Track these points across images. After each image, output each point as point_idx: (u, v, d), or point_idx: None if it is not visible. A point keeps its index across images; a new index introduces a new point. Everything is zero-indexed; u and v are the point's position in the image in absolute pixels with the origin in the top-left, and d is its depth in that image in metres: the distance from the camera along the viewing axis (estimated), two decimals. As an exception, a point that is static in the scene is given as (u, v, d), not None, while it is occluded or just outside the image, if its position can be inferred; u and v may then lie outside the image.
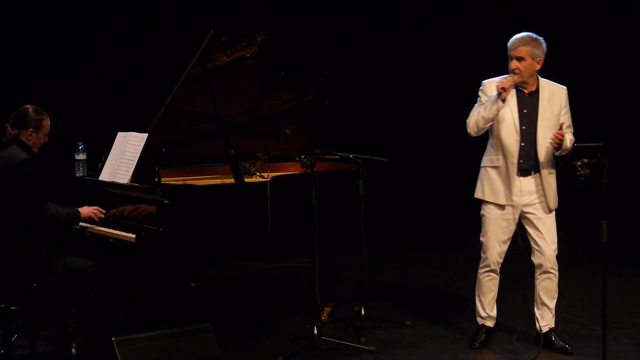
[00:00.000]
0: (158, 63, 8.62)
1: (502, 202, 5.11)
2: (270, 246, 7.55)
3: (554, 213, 5.16)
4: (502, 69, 5.20)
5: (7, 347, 4.75)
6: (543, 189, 5.10)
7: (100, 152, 5.47)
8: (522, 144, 5.05)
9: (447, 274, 7.37)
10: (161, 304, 5.39)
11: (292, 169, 6.00)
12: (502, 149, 5.07)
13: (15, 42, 8.59)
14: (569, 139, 5.05)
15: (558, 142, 4.95)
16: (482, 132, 5.07)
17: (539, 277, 5.18)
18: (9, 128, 4.86)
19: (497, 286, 5.26)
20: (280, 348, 5.24)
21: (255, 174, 5.41)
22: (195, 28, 5.77)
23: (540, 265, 5.16)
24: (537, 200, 5.10)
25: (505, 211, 5.12)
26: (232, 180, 5.19)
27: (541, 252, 5.13)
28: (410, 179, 9.83)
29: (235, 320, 6.03)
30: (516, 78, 4.99)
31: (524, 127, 5.04)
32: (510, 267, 5.27)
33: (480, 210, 5.23)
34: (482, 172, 5.22)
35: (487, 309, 5.26)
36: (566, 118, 5.13)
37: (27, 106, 4.91)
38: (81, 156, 5.53)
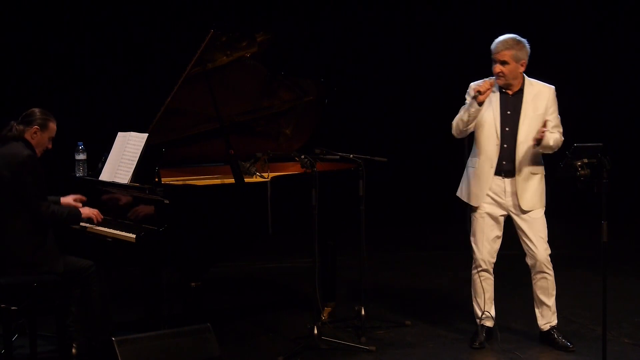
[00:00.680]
0: (158, 63, 8.62)
1: (474, 203, 5.18)
2: (270, 246, 7.52)
3: (543, 213, 5.15)
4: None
5: (8, 347, 4.75)
6: (525, 190, 5.10)
7: (100, 152, 5.47)
8: (505, 146, 5.08)
9: (447, 274, 7.36)
10: (161, 304, 5.39)
11: (292, 169, 6.00)
12: (482, 152, 5.13)
13: (15, 42, 8.59)
14: (552, 137, 5.02)
15: (537, 139, 4.96)
16: (465, 134, 5.15)
17: (534, 277, 5.21)
18: (15, 125, 4.87)
19: (492, 286, 5.26)
20: (280, 348, 5.24)
21: (255, 174, 5.41)
22: (195, 28, 5.76)
23: (534, 266, 5.18)
24: (521, 202, 5.10)
25: (490, 213, 5.15)
26: (232, 180, 5.19)
27: (533, 253, 5.15)
28: (410, 179, 9.83)
29: (235, 320, 6.02)
30: (495, 81, 5.02)
31: (507, 129, 5.07)
32: (509, 267, 5.27)
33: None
34: (464, 172, 5.30)
35: (484, 308, 5.24)
36: (553, 117, 5.10)
37: (35, 108, 4.95)
38: (81, 156, 5.53)
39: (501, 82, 5.04)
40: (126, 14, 8.84)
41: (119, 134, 5.39)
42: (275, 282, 7.35)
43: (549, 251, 5.16)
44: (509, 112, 5.06)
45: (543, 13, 9.63)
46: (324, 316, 5.75)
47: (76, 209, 4.96)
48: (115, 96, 8.73)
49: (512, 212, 5.15)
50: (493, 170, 5.11)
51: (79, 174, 5.52)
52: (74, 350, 4.93)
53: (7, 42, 8.53)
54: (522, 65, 5.05)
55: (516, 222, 5.17)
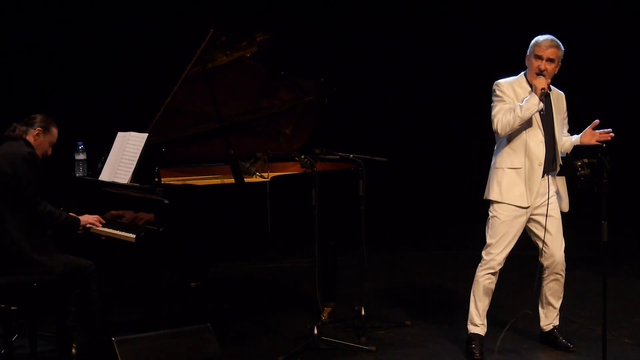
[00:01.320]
0: (158, 63, 8.62)
1: (524, 204, 5.00)
2: (270, 246, 7.55)
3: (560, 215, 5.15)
4: (503, 69, 5.20)
5: (8, 347, 4.75)
6: (559, 191, 5.09)
7: (100, 152, 5.47)
8: (546, 146, 5.01)
9: (447, 274, 7.36)
10: (161, 304, 5.39)
11: (292, 169, 6.00)
12: (527, 151, 4.99)
13: (16, 42, 8.59)
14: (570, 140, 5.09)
15: (602, 141, 4.98)
16: (513, 131, 4.98)
17: (546, 278, 5.16)
18: (18, 125, 4.92)
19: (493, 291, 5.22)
20: (280, 348, 5.24)
21: (255, 174, 5.40)
22: (195, 28, 5.76)
23: (550, 267, 5.13)
24: (548, 202, 5.06)
25: (520, 214, 5.04)
26: (232, 180, 5.19)
27: (552, 254, 5.10)
28: (411, 179, 9.83)
29: (235, 320, 6.02)
30: (548, 81, 4.96)
31: (545, 129, 5.02)
32: (510, 267, 5.27)
33: (489, 211, 5.11)
34: (497, 172, 5.08)
35: (481, 315, 5.15)
36: (566, 122, 5.19)
37: (38, 114, 5.00)
38: (81, 156, 5.53)
39: (539, 81, 4.93)
40: (126, 14, 8.84)
41: (119, 134, 5.39)
42: (275, 282, 7.35)
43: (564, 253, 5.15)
44: (543, 113, 4.98)
45: (543, 13, 9.63)
46: (324, 316, 5.75)
47: (76, 218, 4.96)
48: (115, 96, 8.74)
49: (540, 214, 5.04)
50: (542, 168, 4.99)
51: (79, 174, 5.52)
52: (74, 350, 4.93)
53: (8, 42, 8.53)
54: (558, 67, 5.04)
55: (537, 222, 5.08)
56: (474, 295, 5.16)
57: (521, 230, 5.09)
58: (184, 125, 5.62)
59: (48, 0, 8.65)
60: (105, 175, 5.30)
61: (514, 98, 5.00)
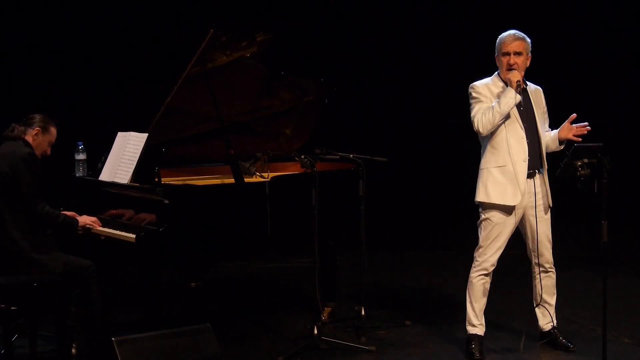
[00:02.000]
0: (158, 63, 8.62)
1: (510, 202, 4.98)
2: (270, 246, 7.55)
3: (549, 211, 5.15)
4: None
5: (8, 347, 4.75)
6: (545, 188, 5.09)
7: (100, 152, 5.47)
8: (528, 142, 5.00)
9: (447, 274, 7.36)
10: (161, 304, 5.39)
11: (292, 169, 6.00)
12: (509, 148, 4.97)
13: (16, 42, 8.59)
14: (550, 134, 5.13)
15: (576, 135, 4.99)
16: (495, 129, 4.98)
17: (538, 275, 5.16)
18: (17, 126, 4.92)
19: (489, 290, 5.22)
20: (280, 348, 5.24)
21: (255, 174, 5.40)
22: (195, 28, 5.76)
23: (540, 265, 5.14)
24: (539, 202, 5.06)
25: (511, 214, 5.02)
26: (232, 180, 5.19)
27: (542, 252, 5.11)
28: (411, 179, 9.83)
29: (235, 320, 6.02)
30: (521, 74, 4.95)
31: (525, 125, 5.01)
32: (509, 267, 5.27)
33: (480, 213, 5.11)
34: (482, 174, 5.08)
35: (479, 316, 5.15)
36: (546, 117, 5.18)
37: (37, 114, 5.00)
38: (81, 156, 5.53)
39: (513, 74, 4.93)
40: (126, 14, 8.84)
41: (119, 134, 5.39)
42: (275, 282, 7.35)
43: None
44: (522, 108, 4.99)
45: (543, 13, 9.64)
46: (324, 316, 5.75)
47: (74, 219, 4.97)
48: (115, 96, 8.74)
49: (529, 214, 5.04)
50: (526, 164, 4.96)
51: (79, 174, 5.53)
52: (74, 350, 4.93)
53: (7, 42, 8.53)
54: (528, 59, 5.04)
55: (528, 221, 5.08)
56: (469, 297, 5.15)
57: (513, 230, 5.08)
58: (184, 125, 5.62)
59: (48, 0, 8.65)
60: (105, 175, 5.30)
61: (490, 97, 5.00)
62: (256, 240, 5.42)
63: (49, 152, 5.02)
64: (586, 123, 5.07)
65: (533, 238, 5.09)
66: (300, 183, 5.33)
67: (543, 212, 5.09)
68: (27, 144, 4.87)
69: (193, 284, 4.89)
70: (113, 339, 4.22)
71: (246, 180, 5.22)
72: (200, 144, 5.71)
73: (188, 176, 5.75)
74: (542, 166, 5.06)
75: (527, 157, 4.97)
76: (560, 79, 9.17)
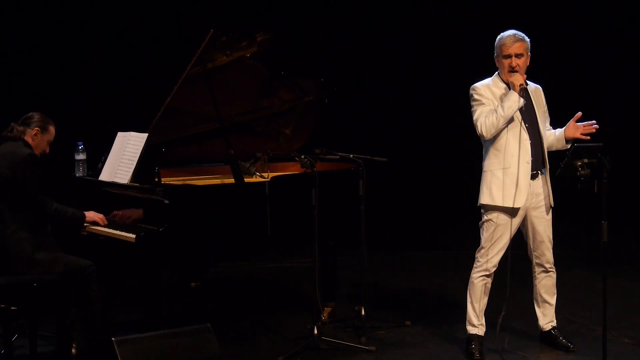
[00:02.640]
0: (158, 63, 8.62)
1: (515, 204, 4.94)
2: (270, 246, 7.55)
3: (551, 212, 5.15)
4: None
5: (7, 347, 4.75)
6: (547, 188, 5.08)
7: (100, 152, 5.47)
8: (530, 142, 4.98)
9: (447, 274, 7.36)
10: (161, 304, 5.39)
11: (292, 169, 6.00)
12: (513, 150, 4.95)
13: (16, 42, 8.59)
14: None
15: (583, 134, 5.01)
16: (499, 132, 4.96)
17: (538, 275, 5.16)
18: (16, 125, 4.91)
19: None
20: (280, 348, 5.24)
21: (255, 174, 5.41)
22: (195, 28, 5.76)
23: (541, 265, 5.14)
24: (542, 202, 5.06)
25: (515, 216, 5.00)
26: (232, 180, 5.19)
27: (543, 252, 5.11)
28: (410, 179, 9.83)
29: (235, 320, 6.02)
30: (524, 76, 4.95)
31: (527, 125, 4.99)
32: (510, 267, 5.26)
33: (482, 216, 5.09)
34: (486, 176, 5.05)
35: (479, 316, 5.14)
36: (547, 115, 5.17)
37: (35, 112, 5.00)
38: (81, 156, 5.53)
39: (516, 77, 4.91)
40: (126, 14, 8.84)
41: (119, 134, 5.39)
42: (275, 282, 7.35)
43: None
44: (523, 109, 4.96)
45: (543, 13, 9.64)
46: (324, 316, 5.75)
47: (81, 212, 4.97)
48: (115, 96, 8.74)
49: (531, 213, 5.02)
50: (530, 166, 4.94)
51: (79, 174, 5.53)
52: (74, 350, 4.93)
53: (7, 42, 8.53)
54: (528, 58, 5.03)
55: (530, 221, 5.06)
56: (470, 297, 5.15)
57: (515, 231, 5.07)
58: (184, 125, 5.62)
59: (48, 0, 8.65)
60: (105, 175, 5.30)
61: (492, 99, 4.98)
62: (256, 240, 5.42)
63: (47, 150, 5.02)
64: (594, 121, 5.07)
65: (534, 238, 5.09)
66: (300, 183, 5.33)
67: (545, 213, 5.09)
68: (26, 144, 4.86)
69: (193, 284, 4.89)
70: (113, 339, 4.22)
71: (246, 180, 5.22)
72: (200, 144, 5.71)
73: (188, 176, 5.75)
74: (544, 167, 5.06)
75: (530, 159, 4.96)
76: (561, 79, 9.17)
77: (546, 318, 5.24)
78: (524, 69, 4.99)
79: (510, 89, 4.95)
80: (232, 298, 6.80)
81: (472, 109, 5.03)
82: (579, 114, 5.09)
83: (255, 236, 5.29)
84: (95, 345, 4.86)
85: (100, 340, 4.83)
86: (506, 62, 4.97)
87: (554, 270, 5.18)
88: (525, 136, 4.97)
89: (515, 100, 4.87)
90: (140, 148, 5.14)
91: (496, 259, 5.07)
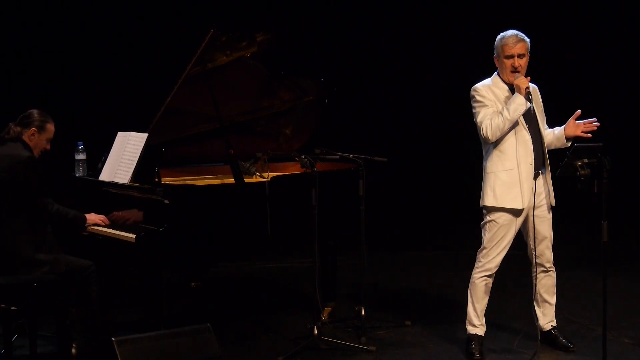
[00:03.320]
0: (158, 63, 8.62)
1: (519, 206, 4.96)
2: (270, 246, 7.54)
3: (551, 211, 5.15)
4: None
5: (7, 347, 4.75)
6: (547, 187, 5.08)
7: (100, 152, 5.47)
8: (532, 143, 4.98)
9: (447, 274, 7.36)
10: (161, 304, 5.38)
11: (292, 169, 6.00)
12: (516, 151, 4.95)
13: (15, 42, 8.59)
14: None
15: (585, 132, 5.02)
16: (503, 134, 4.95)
17: (538, 275, 5.15)
18: (13, 126, 4.88)
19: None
20: (280, 348, 5.24)
21: (255, 174, 5.41)
22: (195, 28, 5.76)
23: (540, 264, 5.13)
24: (544, 202, 5.06)
25: (518, 216, 5.00)
26: (232, 180, 5.19)
27: (542, 252, 5.10)
28: (410, 179, 9.83)
29: (235, 320, 6.02)
30: (528, 78, 4.94)
31: (528, 125, 4.99)
32: (509, 267, 5.27)
33: (484, 217, 5.08)
34: (489, 177, 5.03)
35: (480, 316, 5.14)
36: (544, 114, 5.17)
37: (34, 110, 4.95)
38: (81, 156, 5.53)
39: (522, 80, 4.90)
40: (126, 14, 8.84)
41: (119, 134, 5.39)
42: (275, 282, 7.35)
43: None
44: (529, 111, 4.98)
45: (543, 13, 9.64)
46: (324, 316, 5.75)
47: (82, 214, 4.97)
48: (115, 96, 8.74)
49: (531, 212, 5.01)
50: (532, 167, 4.95)
51: (79, 174, 5.53)
52: (74, 350, 4.93)
53: (7, 42, 8.53)
54: (528, 57, 5.03)
55: (530, 221, 5.05)
56: (471, 297, 5.14)
57: (517, 232, 5.08)
58: (184, 125, 5.62)
59: (48, 0, 8.65)
60: (105, 175, 5.30)
61: (495, 100, 4.98)
62: (256, 240, 5.42)
63: (48, 147, 4.97)
64: (594, 119, 5.07)
65: (535, 237, 5.07)
66: (300, 183, 5.33)
67: (546, 212, 5.09)
68: (25, 145, 4.83)
69: (193, 284, 4.90)
70: (113, 339, 4.22)
71: (246, 180, 5.23)
72: (200, 144, 5.71)
73: (188, 176, 5.75)
74: (544, 166, 5.06)
75: (533, 160, 4.96)
76: (560, 79, 9.17)
77: (546, 318, 5.23)
78: (525, 69, 4.99)
79: (510, 89, 4.95)
80: (232, 298, 6.80)
81: (473, 111, 5.02)
82: (578, 112, 5.10)
83: (255, 236, 5.29)
84: (95, 345, 4.86)
85: (100, 340, 4.83)
86: (508, 62, 4.96)
87: (553, 269, 5.18)
88: (528, 137, 4.97)
89: (521, 103, 4.87)
90: (140, 148, 5.14)
91: (498, 260, 5.07)
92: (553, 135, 5.14)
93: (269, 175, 5.37)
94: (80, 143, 5.54)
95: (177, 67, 5.29)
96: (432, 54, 9.90)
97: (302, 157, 5.28)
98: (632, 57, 9.92)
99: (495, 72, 5.07)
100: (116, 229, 4.97)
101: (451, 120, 9.70)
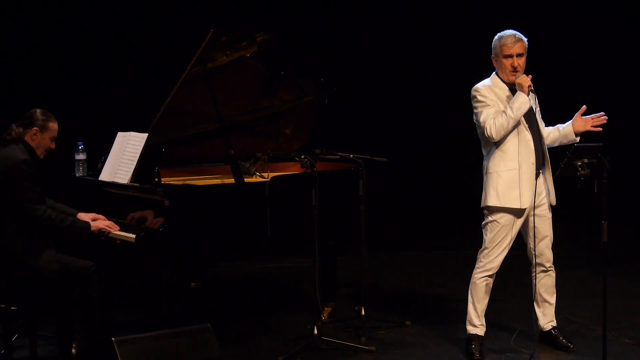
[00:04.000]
0: (158, 63, 8.62)
1: (522, 205, 4.95)
2: (270, 246, 7.55)
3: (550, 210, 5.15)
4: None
5: (7, 347, 4.75)
6: (548, 187, 5.08)
7: (100, 152, 5.47)
8: (533, 141, 4.98)
9: (447, 274, 7.37)
10: (161, 304, 5.39)
11: (292, 169, 6.00)
12: (518, 151, 4.95)
13: (15, 42, 8.59)
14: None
15: (595, 125, 5.05)
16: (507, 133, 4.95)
17: (538, 275, 5.14)
18: (15, 127, 4.84)
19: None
20: (280, 348, 5.24)
21: (255, 174, 5.41)
22: (195, 28, 5.76)
23: (540, 264, 5.13)
24: (544, 201, 5.06)
25: (520, 216, 5.00)
26: (232, 180, 5.19)
27: (542, 251, 5.10)
28: (410, 179, 9.83)
29: (235, 320, 6.03)
30: (529, 76, 4.93)
31: (528, 124, 4.99)
32: (509, 267, 5.27)
33: (486, 217, 5.07)
34: (492, 177, 5.01)
35: (480, 316, 5.14)
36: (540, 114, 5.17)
37: (36, 109, 4.89)
38: (81, 156, 5.53)
39: (524, 79, 4.90)
40: (126, 14, 8.84)
41: (119, 134, 5.39)
42: (275, 282, 7.35)
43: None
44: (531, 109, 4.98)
45: (543, 13, 9.64)
46: (324, 316, 5.75)
47: (85, 222, 4.86)
48: (115, 96, 8.74)
49: (532, 212, 5.00)
50: (534, 166, 4.95)
51: (79, 174, 5.52)
52: (73, 350, 4.92)
53: (7, 42, 8.53)
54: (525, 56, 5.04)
55: (530, 220, 5.04)
56: (472, 297, 5.14)
57: (517, 232, 5.08)
58: (184, 125, 5.62)
59: (48, 0, 8.65)
60: (105, 175, 5.30)
61: (496, 100, 4.98)
62: (256, 240, 5.42)
63: (53, 146, 4.88)
64: (602, 113, 5.07)
65: (535, 237, 5.06)
66: (300, 183, 5.33)
67: (546, 211, 5.09)
68: (26, 146, 4.80)
69: (193, 284, 4.89)
70: (113, 339, 4.22)
71: (246, 180, 5.23)
72: (200, 144, 5.71)
73: (188, 176, 5.75)
74: (544, 166, 5.06)
75: (534, 159, 4.97)
76: (560, 79, 9.17)
77: (546, 318, 5.23)
78: (523, 69, 4.99)
79: (509, 89, 4.96)
80: (232, 298, 6.80)
81: (475, 111, 5.02)
82: (584, 107, 5.11)
83: (255, 236, 5.29)
84: (95, 345, 4.85)
85: (100, 340, 4.82)
86: (508, 62, 4.96)
87: (553, 269, 5.18)
88: (529, 136, 4.98)
89: (524, 102, 4.87)
90: (140, 148, 5.14)
91: (499, 260, 5.07)
92: (558, 133, 5.14)
93: (269, 175, 5.37)
94: (80, 143, 5.54)
95: (177, 67, 5.29)
96: (432, 54, 9.90)
97: (302, 157, 5.28)
98: (632, 57, 9.91)
99: (494, 72, 5.07)
100: (116, 229, 4.96)
101: (451, 120, 9.69)
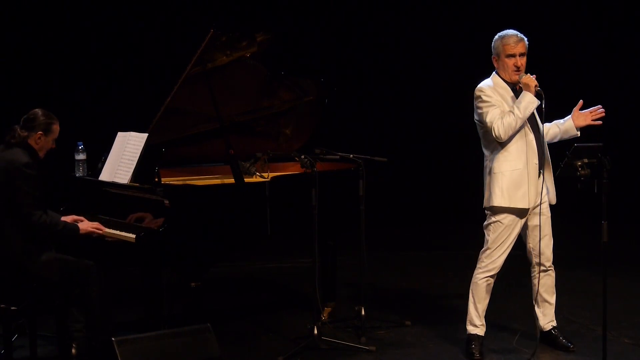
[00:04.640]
0: (158, 63, 8.62)
1: (527, 205, 4.95)
2: (270, 246, 7.55)
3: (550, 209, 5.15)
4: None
5: (7, 347, 4.75)
6: (547, 186, 5.08)
7: (100, 152, 5.47)
8: (535, 140, 4.98)
9: (447, 274, 7.36)
10: (161, 304, 5.39)
11: (292, 169, 6.00)
12: (522, 151, 4.94)
13: (16, 42, 8.59)
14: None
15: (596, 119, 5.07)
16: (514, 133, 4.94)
17: (538, 275, 5.13)
18: (18, 130, 4.84)
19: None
20: (280, 348, 5.24)
21: (255, 174, 5.41)
22: (195, 28, 5.77)
23: (540, 264, 5.13)
24: (545, 199, 5.06)
25: (523, 216, 5.00)
26: (232, 180, 5.19)
27: (542, 251, 5.09)
28: (411, 179, 9.83)
29: (235, 320, 6.03)
30: (534, 75, 4.94)
31: (530, 125, 4.98)
32: (509, 267, 5.27)
33: (489, 218, 5.05)
34: (497, 177, 4.98)
35: (481, 316, 5.14)
36: None
37: (37, 110, 4.90)
38: (81, 156, 5.53)
39: (529, 79, 4.90)
40: (126, 14, 8.84)
41: (119, 134, 5.39)
42: (275, 282, 7.35)
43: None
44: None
45: (543, 13, 9.63)
46: (324, 316, 5.75)
47: (74, 225, 4.90)
48: (115, 96, 8.74)
49: (533, 211, 5.00)
50: (537, 167, 4.95)
51: (79, 174, 5.52)
52: (73, 350, 4.92)
53: (7, 42, 8.53)
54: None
55: (531, 220, 5.05)
56: (473, 297, 5.14)
57: (519, 232, 5.08)
58: (184, 125, 5.62)
59: (48, 0, 8.65)
60: (105, 175, 5.30)
61: (501, 100, 4.97)
62: (256, 240, 5.42)
63: (54, 146, 4.93)
64: (599, 106, 5.08)
65: (535, 236, 5.06)
66: (300, 183, 5.33)
67: (547, 210, 5.09)
68: (29, 149, 4.80)
69: (193, 284, 4.90)
70: (113, 339, 4.23)
71: (246, 180, 5.23)
72: (200, 144, 5.71)
73: (188, 176, 5.75)
74: (545, 165, 5.05)
75: (537, 159, 4.97)
76: (561, 79, 9.16)
77: (546, 318, 5.23)
78: (524, 68, 4.99)
79: (511, 88, 4.96)
80: (232, 298, 6.80)
81: (479, 111, 5.00)
82: (581, 102, 5.12)
83: (255, 236, 5.29)
84: (95, 345, 4.85)
85: (100, 340, 4.82)
86: (510, 62, 4.96)
87: (552, 269, 5.17)
88: (531, 136, 4.98)
89: (532, 101, 4.87)
90: (140, 148, 5.14)
91: (501, 260, 5.07)
92: (558, 129, 5.14)
93: (269, 175, 5.37)
94: (80, 143, 5.54)
95: (177, 67, 5.29)
96: (432, 54, 9.89)
97: (302, 157, 5.28)
98: (632, 57, 9.91)
99: (494, 72, 5.06)
100: (116, 229, 4.97)
101: (451, 120, 9.70)
